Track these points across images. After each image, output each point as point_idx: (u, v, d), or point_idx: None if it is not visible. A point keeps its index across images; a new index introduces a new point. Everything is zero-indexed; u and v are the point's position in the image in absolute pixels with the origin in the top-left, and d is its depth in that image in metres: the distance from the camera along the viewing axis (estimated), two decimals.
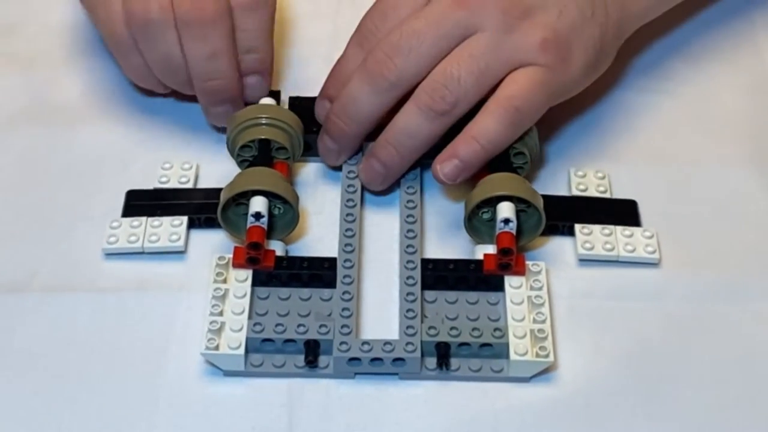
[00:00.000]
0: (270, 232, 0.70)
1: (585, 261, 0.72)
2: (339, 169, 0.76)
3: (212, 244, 0.72)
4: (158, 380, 0.66)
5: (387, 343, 0.65)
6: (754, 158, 0.78)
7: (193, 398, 0.65)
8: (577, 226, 0.73)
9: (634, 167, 0.77)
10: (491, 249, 0.70)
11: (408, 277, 0.69)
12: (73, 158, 0.78)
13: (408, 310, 0.67)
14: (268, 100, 0.76)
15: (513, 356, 0.65)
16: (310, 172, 0.77)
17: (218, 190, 0.71)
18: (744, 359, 0.67)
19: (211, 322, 0.66)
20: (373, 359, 0.65)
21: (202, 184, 0.76)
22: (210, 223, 0.73)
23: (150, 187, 0.75)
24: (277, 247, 0.70)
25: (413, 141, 0.71)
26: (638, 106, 0.82)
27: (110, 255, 0.72)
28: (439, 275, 0.69)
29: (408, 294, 0.68)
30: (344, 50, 0.75)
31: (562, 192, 0.76)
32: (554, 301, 0.70)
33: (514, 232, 0.68)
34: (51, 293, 0.70)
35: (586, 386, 0.66)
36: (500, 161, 0.72)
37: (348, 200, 0.73)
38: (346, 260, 0.69)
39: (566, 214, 0.73)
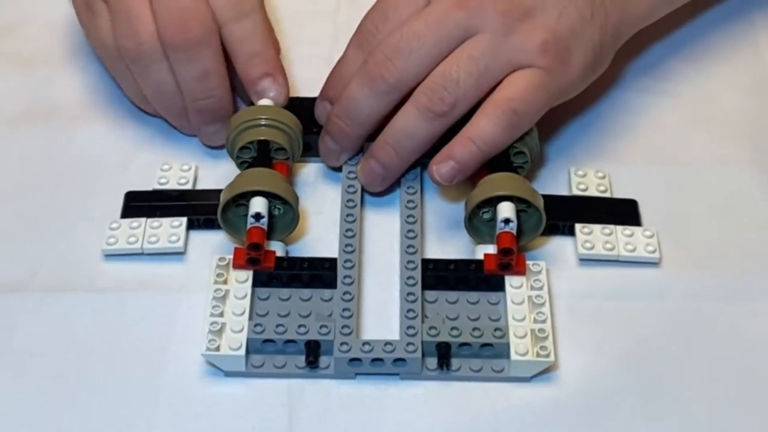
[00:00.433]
0: (270, 233, 0.70)
1: (585, 261, 0.72)
2: (339, 169, 0.76)
3: (211, 245, 0.72)
4: (158, 380, 0.66)
5: (388, 343, 0.65)
6: (754, 158, 0.78)
7: (193, 399, 0.65)
8: (578, 226, 0.73)
9: (635, 167, 0.77)
10: (492, 249, 0.70)
11: (408, 278, 0.69)
12: (73, 158, 0.78)
13: (408, 311, 0.67)
14: (266, 102, 0.76)
15: (514, 356, 0.65)
16: (309, 172, 0.77)
17: (217, 191, 0.71)
18: (744, 359, 0.67)
19: (211, 323, 0.66)
20: (374, 359, 0.65)
21: (201, 186, 0.76)
22: (209, 224, 0.73)
23: (149, 188, 0.75)
24: (277, 248, 0.70)
25: (412, 142, 0.71)
26: (638, 106, 0.82)
27: (110, 256, 0.72)
28: (439, 275, 0.69)
29: (408, 294, 0.68)
30: (344, 51, 0.75)
31: (563, 192, 0.76)
32: (555, 301, 0.70)
33: (514, 232, 0.68)
34: (51, 293, 0.70)
35: (587, 386, 0.66)
36: (500, 161, 0.72)
37: (348, 200, 0.73)
38: (346, 260, 0.69)
39: (566, 213, 0.73)
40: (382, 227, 0.74)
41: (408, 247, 0.70)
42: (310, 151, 0.77)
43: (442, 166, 0.70)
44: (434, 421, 0.65)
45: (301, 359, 0.66)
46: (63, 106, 0.81)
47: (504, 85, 0.70)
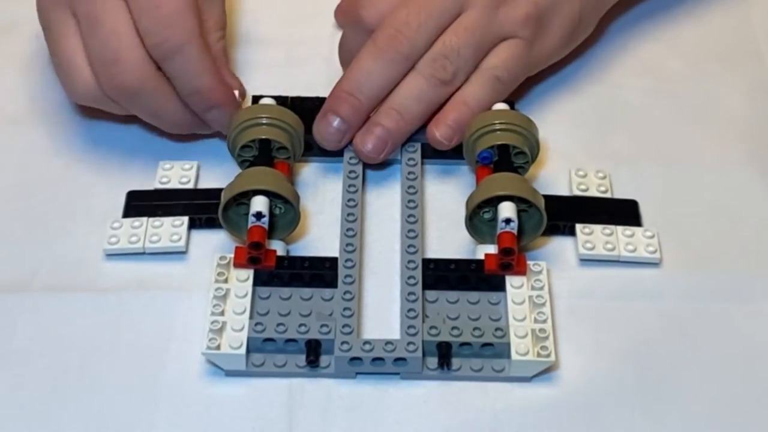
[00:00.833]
0: (271, 232, 0.70)
1: (586, 261, 0.72)
2: (339, 154, 0.76)
3: (213, 245, 0.72)
4: (159, 380, 0.66)
5: (388, 342, 0.65)
6: (754, 158, 0.78)
7: (193, 398, 0.65)
8: (578, 226, 0.73)
9: (635, 167, 0.77)
10: (492, 249, 0.70)
11: (409, 277, 0.69)
12: (73, 158, 0.78)
13: (409, 310, 0.67)
14: (268, 100, 0.76)
15: (514, 356, 0.65)
16: (311, 171, 0.77)
17: (219, 190, 0.71)
18: (744, 359, 0.67)
19: (212, 322, 0.66)
20: (375, 359, 0.65)
21: (203, 185, 0.76)
22: (211, 224, 0.73)
23: (150, 187, 0.75)
24: (278, 247, 0.70)
25: (418, 106, 0.75)
26: (638, 106, 0.82)
27: (111, 255, 0.72)
28: (440, 275, 0.69)
29: (409, 294, 0.68)
30: (343, 32, 0.79)
31: (563, 192, 0.76)
32: (555, 301, 0.70)
33: (515, 231, 0.68)
34: (51, 293, 0.70)
35: (587, 386, 0.66)
36: (502, 161, 0.73)
37: (349, 200, 0.73)
38: (347, 260, 0.69)
39: (567, 214, 0.73)
40: (383, 227, 0.74)
41: (409, 246, 0.70)
42: (311, 150, 0.77)
43: (440, 127, 0.75)
44: (435, 421, 0.65)
45: (302, 358, 0.66)
46: (63, 106, 0.81)
47: (489, 55, 0.76)
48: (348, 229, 0.71)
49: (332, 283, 0.69)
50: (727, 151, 0.79)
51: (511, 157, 0.73)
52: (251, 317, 0.67)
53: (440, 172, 0.77)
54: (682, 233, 0.74)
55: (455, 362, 0.66)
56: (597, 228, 0.72)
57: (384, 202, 0.75)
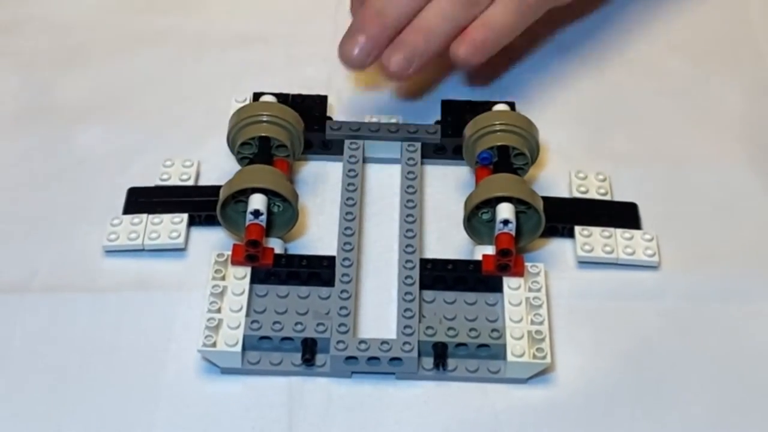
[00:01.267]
0: (269, 230, 0.70)
1: (584, 263, 0.72)
2: (339, 153, 0.76)
3: (212, 242, 0.72)
4: (158, 379, 0.66)
5: (384, 342, 0.65)
6: (754, 158, 0.78)
7: (193, 397, 0.65)
8: (577, 228, 0.72)
9: (635, 168, 0.77)
10: (490, 250, 0.70)
11: (406, 277, 0.68)
12: (73, 158, 0.78)
13: (406, 310, 0.67)
14: (269, 98, 0.76)
15: (510, 357, 0.65)
16: (310, 170, 0.77)
17: (219, 188, 0.71)
18: (744, 360, 0.67)
19: (208, 319, 0.66)
20: (370, 358, 0.65)
21: (203, 182, 0.76)
22: (210, 221, 0.73)
23: (151, 184, 0.75)
24: (276, 245, 0.70)
25: (445, 25, 0.75)
26: (638, 107, 0.82)
27: (110, 252, 0.72)
28: (437, 275, 0.69)
29: (406, 293, 0.68)
30: None
31: (563, 194, 0.76)
32: (553, 303, 0.69)
33: (513, 233, 0.68)
34: (51, 293, 0.70)
35: (587, 387, 0.66)
36: (501, 162, 0.72)
37: (347, 199, 0.73)
38: (344, 259, 0.69)
39: (566, 216, 0.73)
40: (382, 226, 0.74)
41: (407, 246, 0.70)
42: (311, 148, 0.77)
43: (463, 46, 0.74)
44: (434, 421, 0.65)
45: (298, 357, 0.66)
46: (63, 106, 0.81)
47: None
48: (346, 228, 0.71)
49: (329, 282, 0.69)
50: (727, 152, 0.79)
51: (511, 158, 0.73)
52: (248, 315, 0.67)
53: (440, 173, 0.77)
54: (682, 234, 0.73)
55: (451, 363, 0.66)
56: (596, 230, 0.72)
57: (383, 202, 0.75)
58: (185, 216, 0.73)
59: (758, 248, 0.73)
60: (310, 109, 0.77)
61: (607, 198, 0.75)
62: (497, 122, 0.73)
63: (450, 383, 0.66)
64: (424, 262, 0.69)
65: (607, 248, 0.71)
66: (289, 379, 0.66)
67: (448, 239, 0.73)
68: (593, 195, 0.75)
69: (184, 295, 0.70)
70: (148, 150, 0.78)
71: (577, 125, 0.80)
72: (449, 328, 0.66)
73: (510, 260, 0.68)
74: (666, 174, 0.77)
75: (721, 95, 0.82)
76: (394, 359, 0.65)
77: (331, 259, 0.69)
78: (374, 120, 0.78)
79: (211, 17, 0.88)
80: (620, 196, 0.75)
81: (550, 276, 0.71)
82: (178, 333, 0.68)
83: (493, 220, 0.70)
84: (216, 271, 0.68)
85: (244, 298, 0.67)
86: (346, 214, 0.72)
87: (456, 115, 0.78)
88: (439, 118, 0.78)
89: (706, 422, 0.65)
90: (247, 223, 0.69)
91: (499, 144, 0.73)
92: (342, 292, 0.68)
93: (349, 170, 0.75)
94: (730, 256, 0.72)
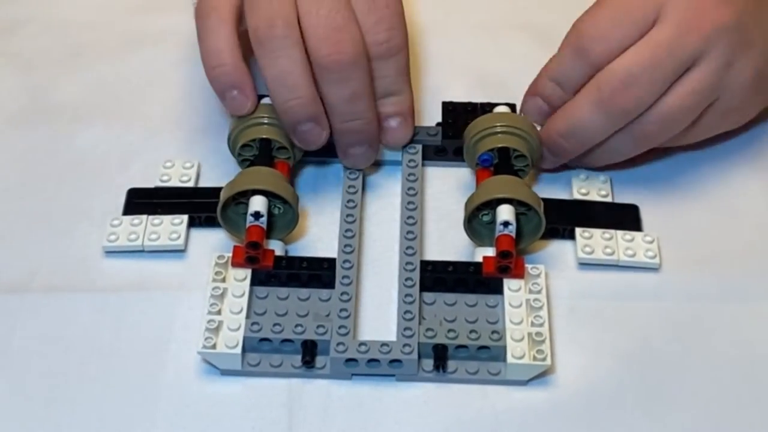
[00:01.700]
0: (269, 232, 0.70)
1: (585, 265, 0.72)
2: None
3: (212, 243, 0.72)
4: (158, 380, 0.66)
5: (384, 344, 0.65)
6: (754, 159, 0.78)
7: (193, 398, 0.65)
8: (578, 230, 0.72)
9: (636, 170, 0.77)
10: (491, 251, 0.70)
11: (407, 279, 0.68)
12: (73, 158, 0.78)
13: (406, 312, 0.67)
14: (269, 100, 0.76)
15: (510, 359, 0.65)
16: (310, 172, 0.77)
17: (219, 189, 0.71)
18: (744, 360, 0.67)
19: (208, 321, 0.66)
20: (370, 360, 0.65)
21: (204, 183, 0.76)
22: (210, 222, 0.73)
23: (151, 184, 0.75)
24: (276, 247, 0.70)
25: (617, 159, 0.75)
26: None
27: (110, 253, 0.72)
28: (438, 277, 0.69)
29: (406, 295, 0.68)
30: (560, 50, 0.74)
31: (564, 195, 0.75)
32: (553, 305, 0.69)
33: (513, 234, 0.68)
34: (51, 293, 0.70)
35: (587, 388, 0.66)
36: (502, 164, 0.72)
37: (348, 201, 0.73)
38: (345, 261, 0.69)
39: (567, 217, 0.73)
40: (382, 228, 0.74)
41: (407, 248, 0.70)
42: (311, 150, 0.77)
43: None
44: (434, 422, 0.65)
45: (298, 359, 0.66)
46: (63, 106, 0.81)
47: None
48: (347, 230, 0.71)
49: (330, 284, 0.69)
50: (728, 153, 0.78)
51: (512, 159, 0.73)
52: (248, 317, 0.67)
53: (440, 174, 0.77)
54: (683, 235, 0.73)
55: (451, 365, 0.66)
56: (596, 232, 0.72)
57: (383, 204, 0.75)
58: (185, 217, 0.73)
59: (758, 250, 0.73)
60: None
61: (608, 200, 0.75)
62: (498, 124, 0.73)
63: (450, 385, 0.66)
64: (425, 264, 0.69)
65: (608, 250, 0.71)
66: (289, 381, 0.66)
67: (448, 241, 0.73)
68: (594, 197, 0.75)
69: (184, 295, 0.70)
70: (148, 150, 0.78)
71: None
72: (449, 330, 0.66)
73: (510, 262, 0.68)
74: (666, 175, 0.77)
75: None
76: (394, 361, 0.65)
77: (331, 261, 0.69)
78: None
79: None
80: (621, 195, 0.75)
81: (551, 277, 0.71)
82: (178, 333, 0.68)
83: (493, 221, 0.70)
84: (216, 273, 0.68)
85: (245, 299, 0.67)
86: (347, 216, 0.72)
87: (457, 116, 0.78)
88: (439, 119, 0.78)
89: (706, 423, 0.65)
90: (248, 224, 0.69)
91: (499, 146, 0.73)
92: (342, 294, 0.68)
93: (350, 172, 0.75)
94: (730, 258, 0.72)
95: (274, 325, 0.66)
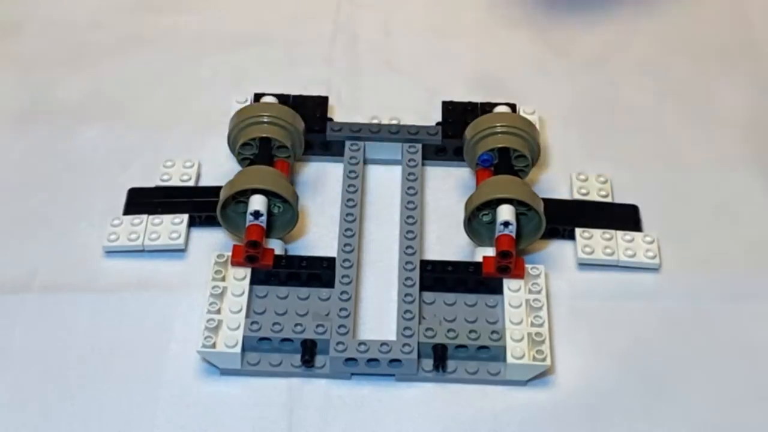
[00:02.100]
0: (269, 231, 0.70)
1: (585, 265, 0.72)
2: (340, 154, 0.75)
3: (212, 243, 0.72)
4: (158, 379, 0.66)
5: (384, 344, 0.65)
6: (754, 159, 0.78)
7: (193, 397, 0.65)
8: (578, 230, 0.72)
9: (637, 168, 0.77)
10: (491, 251, 0.70)
11: (406, 278, 0.68)
12: (73, 158, 0.78)
13: (406, 311, 0.67)
14: (269, 99, 0.76)
15: (510, 359, 0.65)
16: (311, 171, 0.77)
17: (219, 188, 0.71)
18: (744, 360, 0.67)
19: (208, 320, 0.66)
20: (370, 360, 0.65)
21: (204, 182, 0.76)
22: (210, 221, 0.73)
23: (151, 184, 0.75)
24: (276, 246, 0.70)
25: None
26: (639, 107, 0.82)
27: (111, 253, 0.72)
28: (437, 277, 0.69)
29: (406, 295, 0.68)
30: None
31: (564, 195, 0.75)
32: (553, 305, 0.69)
33: (513, 234, 0.68)
34: (51, 293, 0.70)
35: (587, 387, 0.66)
36: (502, 164, 0.72)
37: (348, 200, 0.73)
38: (345, 260, 0.69)
39: (567, 218, 0.73)
40: (382, 227, 0.74)
41: (407, 248, 0.70)
42: (311, 149, 0.76)
43: None
44: (433, 422, 0.65)
45: (297, 358, 0.66)
46: (63, 106, 0.81)
47: None
48: (347, 230, 0.71)
49: (329, 283, 0.69)
50: (728, 153, 0.78)
51: (512, 160, 0.73)
52: (247, 316, 0.67)
53: (440, 174, 0.77)
54: (683, 236, 0.73)
55: (450, 364, 0.66)
56: (596, 232, 0.72)
57: (383, 203, 0.75)
58: (185, 217, 0.73)
59: (758, 249, 0.73)
60: (310, 109, 0.77)
61: (608, 200, 0.75)
62: (498, 124, 0.73)
63: (449, 385, 0.66)
64: (425, 264, 0.69)
65: (608, 250, 0.71)
66: (289, 380, 0.66)
67: (448, 241, 0.73)
68: (594, 197, 0.75)
69: (184, 295, 0.70)
70: (149, 150, 0.78)
71: (578, 127, 0.80)
72: (449, 330, 0.66)
73: (510, 262, 0.68)
74: (667, 175, 0.77)
75: (721, 95, 0.82)
76: (394, 361, 0.65)
77: (331, 261, 0.69)
78: (375, 121, 0.78)
79: (211, 17, 0.88)
80: (621, 196, 0.75)
81: (551, 277, 0.71)
82: (178, 333, 0.68)
83: (493, 221, 0.70)
84: (216, 272, 0.68)
85: (244, 299, 0.67)
86: (347, 215, 0.72)
87: (457, 116, 0.78)
88: (439, 119, 0.78)
89: (706, 423, 0.65)
90: (248, 223, 0.69)
91: (500, 146, 0.73)
92: (342, 293, 0.68)
93: (350, 171, 0.75)
94: (730, 258, 0.72)
95: (274, 324, 0.66)
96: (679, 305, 0.70)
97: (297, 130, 0.74)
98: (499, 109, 0.76)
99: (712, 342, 0.68)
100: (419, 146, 0.76)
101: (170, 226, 0.72)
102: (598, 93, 0.82)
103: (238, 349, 0.65)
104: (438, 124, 0.78)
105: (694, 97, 0.82)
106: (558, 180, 0.77)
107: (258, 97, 0.78)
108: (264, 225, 0.69)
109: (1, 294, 0.70)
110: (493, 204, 0.69)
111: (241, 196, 0.70)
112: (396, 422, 0.64)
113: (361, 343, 0.65)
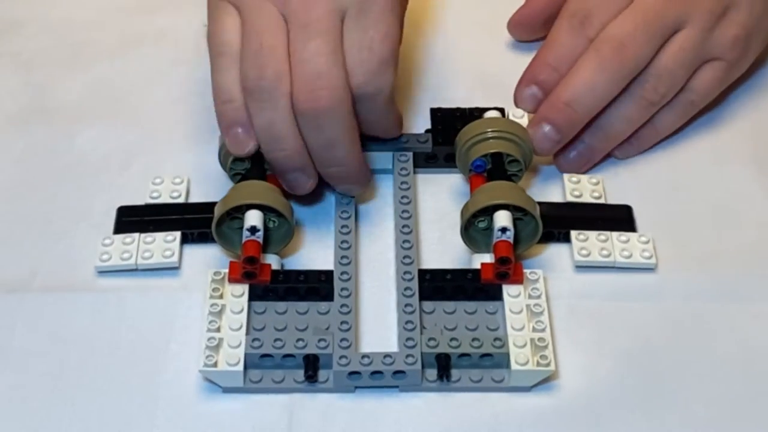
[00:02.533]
0: (265, 246, 0.70)
1: (582, 267, 0.72)
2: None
3: (206, 259, 0.72)
4: (157, 393, 0.65)
5: (387, 355, 0.65)
6: (754, 158, 0.78)
7: (192, 415, 0.65)
8: (573, 233, 0.72)
9: (630, 168, 0.77)
10: (488, 258, 0.70)
11: (405, 288, 0.68)
12: (73, 158, 0.78)
13: (407, 322, 0.66)
14: None
15: (514, 366, 0.65)
16: None
17: (211, 204, 0.70)
18: (744, 360, 0.67)
19: (208, 339, 0.65)
20: (374, 372, 0.65)
21: (194, 199, 0.76)
22: (203, 238, 0.72)
23: (141, 202, 0.75)
24: (272, 261, 0.70)
25: (624, 127, 0.76)
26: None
27: (103, 273, 0.71)
28: (436, 286, 0.69)
29: (406, 305, 0.67)
30: (553, 33, 0.76)
31: (557, 198, 0.75)
32: (552, 309, 0.69)
33: (511, 240, 0.68)
34: (51, 293, 0.70)
35: (588, 390, 0.66)
36: (495, 169, 0.72)
37: (342, 212, 0.72)
38: (342, 273, 0.69)
39: (561, 220, 0.73)
40: (378, 238, 0.73)
41: (404, 257, 0.70)
42: None
43: (624, 147, 0.77)
44: (440, 431, 0.64)
45: (300, 373, 0.65)
46: (63, 106, 0.81)
47: (692, 78, 0.76)
48: (342, 242, 0.71)
49: (328, 297, 0.68)
50: (727, 152, 0.79)
51: (505, 165, 0.73)
52: (248, 333, 0.66)
53: (432, 181, 0.77)
54: (678, 235, 0.73)
55: (454, 373, 0.66)
56: (592, 234, 0.72)
57: (377, 213, 0.75)
58: (178, 234, 0.72)
59: (755, 248, 0.73)
60: None
61: (601, 201, 0.75)
62: (489, 129, 0.73)
63: (454, 394, 0.66)
64: (423, 273, 0.69)
65: (604, 252, 0.71)
66: (291, 396, 0.65)
67: (444, 248, 0.73)
68: (587, 199, 0.75)
69: (184, 296, 0.69)
70: (149, 150, 0.78)
71: None
72: (451, 339, 0.66)
73: (509, 268, 0.68)
74: (659, 175, 0.77)
75: (721, 95, 0.82)
76: (398, 372, 0.65)
77: (328, 274, 0.69)
78: None
79: None
80: (615, 196, 0.75)
81: (548, 282, 0.70)
82: (177, 337, 0.68)
83: (490, 228, 0.70)
84: (213, 290, 0.68)
85: (243, 316, 0.67)
86: (342, 227, 0.72)
87: (446, 122, 0.77)
88: (428, 126, 0.78)
89: (707, 423, 0.65)
90: (244, 239, 0.68)
91: (492, 151, 0.72)
92: (341, 306, 0.67)
93: None
94: (727, 256, 0.72)
95: (275, 340, 0.65)
96: (677, 304, 0.70)
97: None
98: (489, 114, 0.76)
99: (711, 341, 0.68)
100: (410, 155, 0.76)
101: (163, 243, 0.72)
102: None
103: (240, 367, 0.65)
104: (427, 131, 0.78)
105: None
106: (550, 183, 0.77)
107: None
108: (261, 240, 0.68)
109: (1, 294, 0.70)
110: (489, 210, 0.69)
111: (235, 212, 0.69)
112: (402, 431, 0.64)
113: (365, 356, 0.65)
